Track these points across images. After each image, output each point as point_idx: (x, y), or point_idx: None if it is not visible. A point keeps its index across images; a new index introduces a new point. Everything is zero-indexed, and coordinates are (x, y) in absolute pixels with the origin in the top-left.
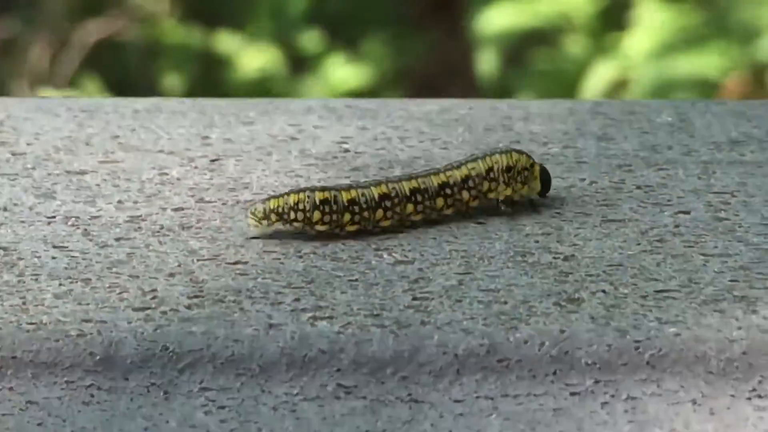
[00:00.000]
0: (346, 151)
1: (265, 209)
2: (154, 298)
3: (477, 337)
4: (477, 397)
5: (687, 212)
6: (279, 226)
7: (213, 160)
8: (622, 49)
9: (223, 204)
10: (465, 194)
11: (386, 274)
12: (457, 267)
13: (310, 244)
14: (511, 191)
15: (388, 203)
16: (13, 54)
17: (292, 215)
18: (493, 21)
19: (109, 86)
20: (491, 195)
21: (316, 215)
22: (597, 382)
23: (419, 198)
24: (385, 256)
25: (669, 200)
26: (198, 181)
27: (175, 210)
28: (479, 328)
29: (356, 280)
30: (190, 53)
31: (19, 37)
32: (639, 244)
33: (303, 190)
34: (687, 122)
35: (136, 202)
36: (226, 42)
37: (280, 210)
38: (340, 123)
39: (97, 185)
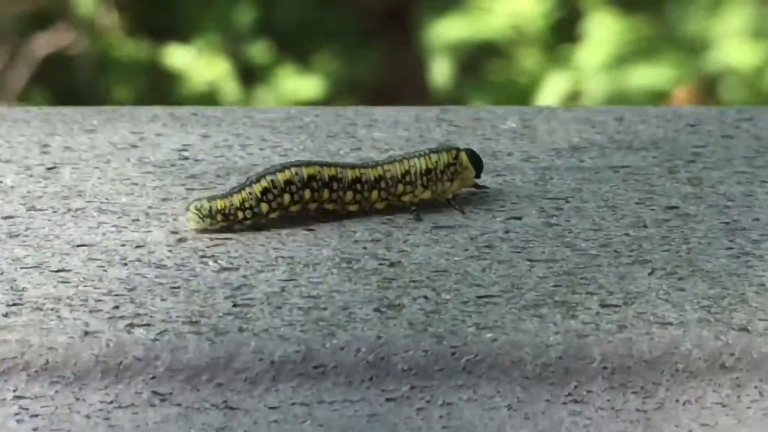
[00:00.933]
0: (185, 158)
1: (211, 208)
2: None
3: (293, 344)
4: (292, 404)
5: (519, 218)
6: (222, 224)
7: (49, 168)
8: (575, 61)
9: (54, 212)
10: (374, 194)
11: (209, 281)
12: (281, 274)
13: (137, 251)
14: (431, 193)
15: (314, 185)
16: None
17: (240, 215)
18: (445, 32)
19: (58, 100)
20: (405, 198)
21: (264, 207)
22: (413, 387)
23: (335, 186)
24: (210, 263)
25: (502, 206)
26: (32, 189)
27: (5, 218)
28: (296, 334)
29: (178, 287)
30: (139, 66)
31: None
32: (467, 250)
33: (243, 188)
34: (530, 128)
35: None
36: (176, 55)
37: (227, 211)
38: (183, 131)
39: None
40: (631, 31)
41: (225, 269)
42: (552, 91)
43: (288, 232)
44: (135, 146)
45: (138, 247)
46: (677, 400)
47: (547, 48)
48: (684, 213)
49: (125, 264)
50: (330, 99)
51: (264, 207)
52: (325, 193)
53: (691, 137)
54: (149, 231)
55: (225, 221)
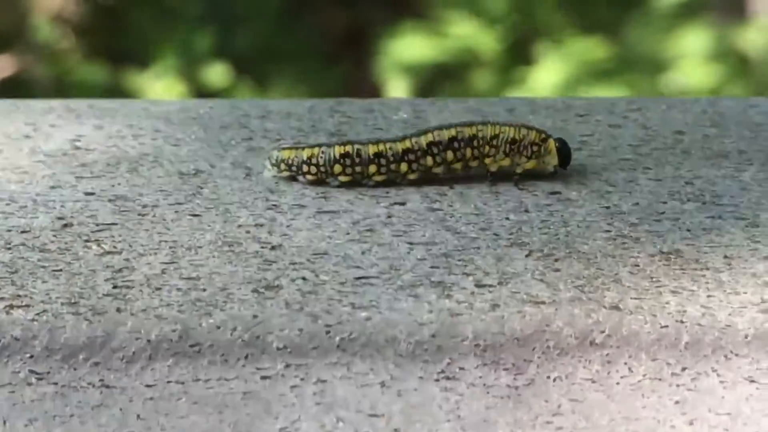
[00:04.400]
0: (77, 148)
1: (278, 157)
2: None
3: (170, 323)
4: (168, 382)
5: (403, 203)
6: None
7: None
8: (530, 83)
9: None
10: (468, 152)
11: (91, 265)
12: (164, 257)
13: (22, 236)
14: (510, 162)
15: (383, 161)
16: None
17: (305, 168)
18: (402, 55)
19: None
20: (487, 160)
21: (337, 168)
22: (288, 365)
23: (411, 157)
24: (93, 247)
25: (387, 192)
26: None
27: None
28: (173, 314)
29: (60, 270)
30: (97, 90)
31: None
32: (348, 234)
33: (319, 145)
34: (422, 119)
35: None
36: (134, 78)
37: (290, 162)
38: (77, 122)
39: None
40: (587, 52)
41: (108, 253)
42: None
43: (173, 218)
44: (28, 137)
45: (23, 232)
46: (548, 377)
47: (502, 70)
48: (566, 198)
49: (9, 248)
50: None
51: (337, 168)
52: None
53: (579, 126)
54: (36, 217)
55: (289, 172)
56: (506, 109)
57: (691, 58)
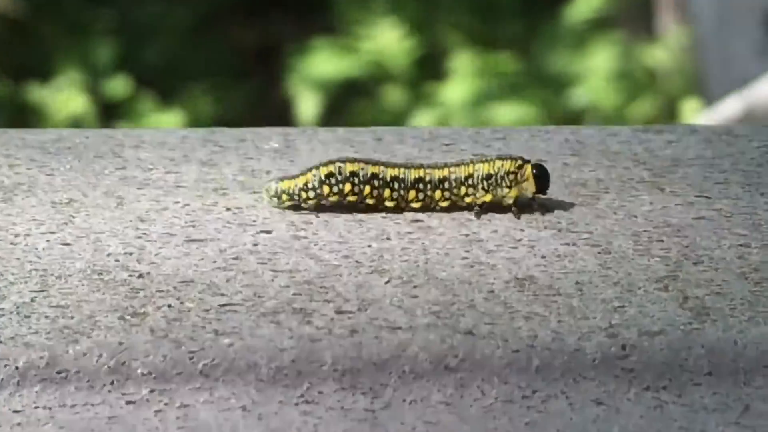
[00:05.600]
0: None
1: (277, 189)
2: None
3: (38, 350)
4: (35, 408)
5: (269, 231)
6: (290, 203)
7: None
8: (439, 98)
9: None
10: (438, 194)
11: None
12: (34, 285)
13: None
14: (491, 197)
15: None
16: None
17: (304, 195)
18: (313, 72)
19: None
20: (468, 200)
21: (325, 189)
22: (152, 391)
23: (395, 186)
24: None
25: (254, 221)
26: None
27: None
28: (42, 341)
29: None
30: None
31: None
32: (215, 262)
33: (309, 170)
34: (292, 148)
35: None
36: (35, 92)
37: (291, 191)
38: None
39: None
40: (495, 68)
41: None
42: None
43: (45, 246)
44: None
45: None
46: (404, 400)
47: (412, 85)
48: (427, 226)
49: None
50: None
51: (326, 189)
52: (387, 192)
53: (444, 155)
54: None
55: (291, 201)
56: (374, 139)
57: (598, 75)
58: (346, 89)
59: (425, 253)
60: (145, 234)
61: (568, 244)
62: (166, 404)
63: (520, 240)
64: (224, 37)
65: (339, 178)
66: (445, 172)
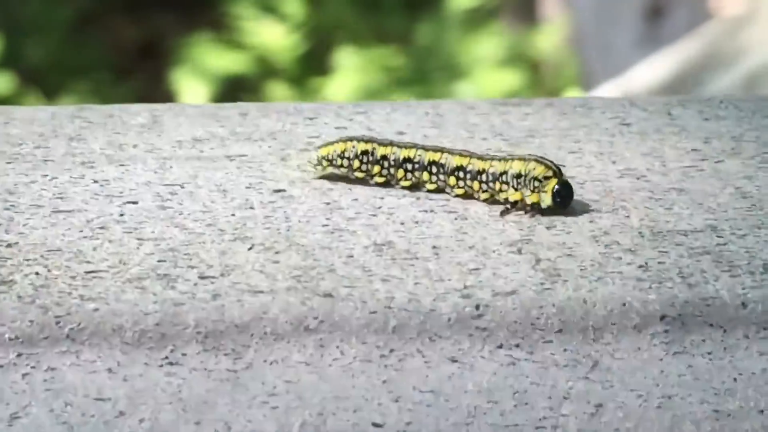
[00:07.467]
0: None
1: (317, 156)
2: None
3: None
4: None
5: (135, 202)
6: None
7: None
8: (324, 93)
9: None
10: (476, 185)
11: None
12: None
13: None
14: (520, 195)
15: (409, 166)
16: None
17: (339, 162)
18: (198, 68)
19: None
20: (501, 196)
21: (356, 163)
22: (19, 355)
23: (434, 170)
24: None
25: (121, 192)
26: None
27: None
28: None
29: None
30: None
31: None
32: (81, 231)
33: (350, 139)
34: (158, 123)
35: None
36: None
37: (330, 157)
38: None
39: None
40: (380, 62)
41: None
42: None
43: None
44: None
45: None
46: (265, 360)
47: (297, 80)
48: (289, 195)
49: None
50: None
51: (356, 163)
52: (425, 175)
53: (307, 129)
54: None
55: (330, 166)
56: (240, 113)
57: (484, 65)
58: (232, 84)
59: (287, 221)
60: (13, 206)
61: (426, 211)
62: (33, 367)
63: (379, 207)
64: (107, 33)
65: (374, 158)
66: (486, 165)
